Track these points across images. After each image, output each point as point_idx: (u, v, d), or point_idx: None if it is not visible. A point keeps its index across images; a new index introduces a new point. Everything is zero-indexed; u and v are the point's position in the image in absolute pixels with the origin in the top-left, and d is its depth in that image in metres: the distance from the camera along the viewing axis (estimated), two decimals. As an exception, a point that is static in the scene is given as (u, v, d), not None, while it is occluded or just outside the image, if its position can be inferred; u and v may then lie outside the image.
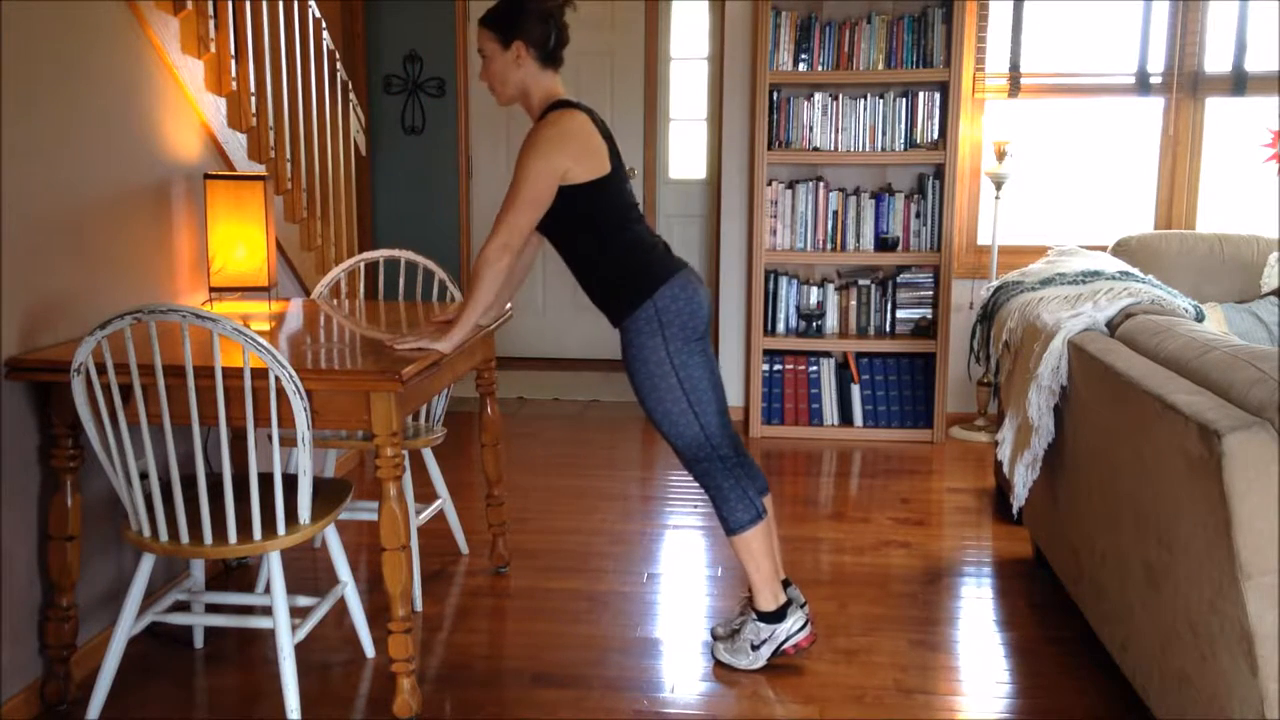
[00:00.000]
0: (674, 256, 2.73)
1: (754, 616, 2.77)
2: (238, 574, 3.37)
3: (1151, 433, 2.20)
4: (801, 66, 4.83)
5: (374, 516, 3.21)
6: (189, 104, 3.22)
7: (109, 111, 2.81)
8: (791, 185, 4.93)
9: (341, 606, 3.05)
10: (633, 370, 2.69)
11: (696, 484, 2.75)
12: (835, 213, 4.93)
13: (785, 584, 2.82)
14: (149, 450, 2.33)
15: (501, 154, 6.44)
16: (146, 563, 2.46)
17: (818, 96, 4.86)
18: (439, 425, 3.38)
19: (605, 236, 2.66)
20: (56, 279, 2.61)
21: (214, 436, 3.13)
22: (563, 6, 2.67)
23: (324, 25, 4.17)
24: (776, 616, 2.75)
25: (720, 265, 5.26)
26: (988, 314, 3.62)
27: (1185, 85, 4.95)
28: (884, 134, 4.86)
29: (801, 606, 2.80)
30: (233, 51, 3.38)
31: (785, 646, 2.76)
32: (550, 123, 2.60)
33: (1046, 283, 3.29)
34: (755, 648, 2.76)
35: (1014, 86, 4.99)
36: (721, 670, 2.78)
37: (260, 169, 3.62)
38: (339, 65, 4.35)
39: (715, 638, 2.88)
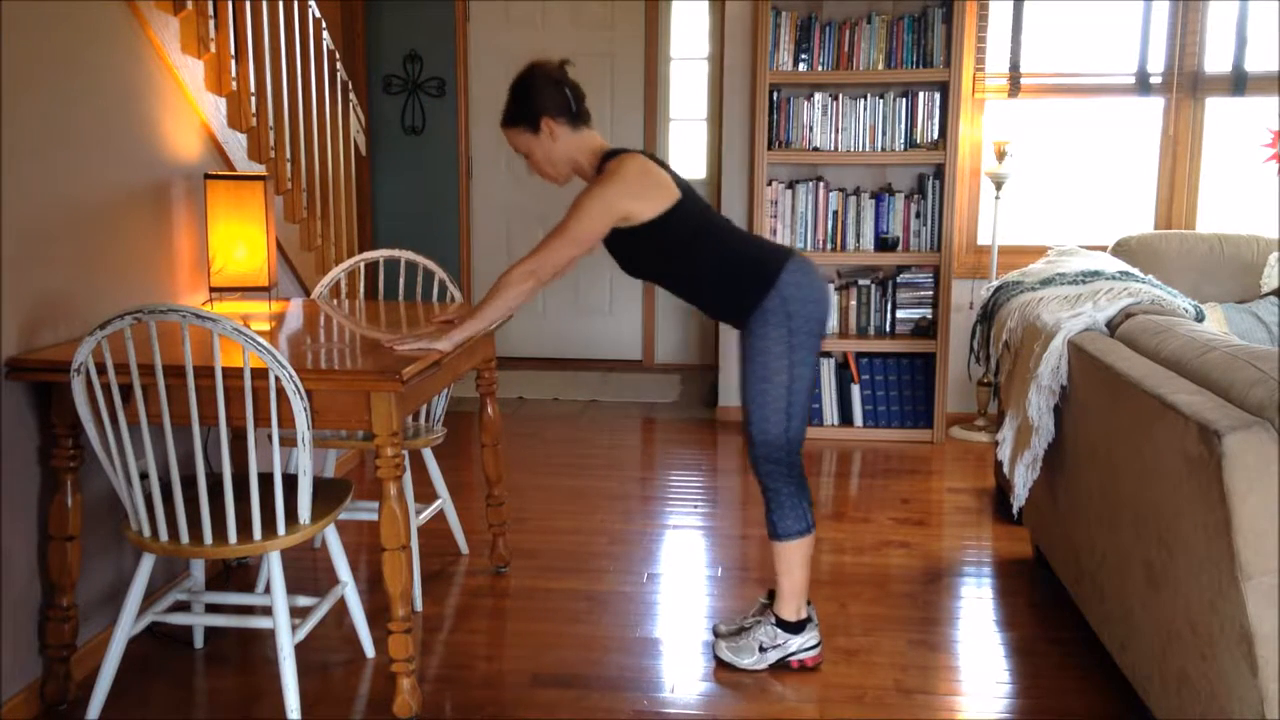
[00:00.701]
0: (782, 247, 2.72)
1: (773, 620, 2.78)
2: (238, 574, 3.37)
3: (1151, 433, 2.20)
4: (801, 66, 4.83)
5: (374, 516, 3.22)
6: (189, 104, 3.22)
7: (109, 111, 2.81)
8: (791, 185, 4.93)
9: (341, 606, 3.05)
10: (749, 356, 2.66)
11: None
12: (835, 213, 4.93)
13: (807, 602, 2.85)
14: (149, 450, 2.33)
15: (501, 154, 6.44)
16: (146, 563, 2.46)
17: (818, 96, 4.86)
18: (439, 425, 3.38)
19: (706, 251, 2.65)
20: (56, 279, 2.61)
21: (214, 436, 3.13)
22: (561, 67, 2.68)
23: (324, 25, 4.17)
24: (795, 628, 2.77)
25: (720, 265, 5.26)
26: (988, 314, 3.62)
27: (1185, 85, 4.95)
28: (884, 134, 4.86)
29: (817, 626, 2.81)
30: (233, 51, 3.38)
31: (792, 659, 2.77)
32: (611, 170, 2.60)
33: (1046, 283, 3.29)
34: (764, 650, 2.76)
35: (1014, 86, 4.99)
36: (722, 670, 2.78)
37: (260, 169, 3.62)
38: (339, 65, 4.35)
39: (717, 634, 2.88)
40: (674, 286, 2.75)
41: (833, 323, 5.03)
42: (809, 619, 2.80)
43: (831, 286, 5.01)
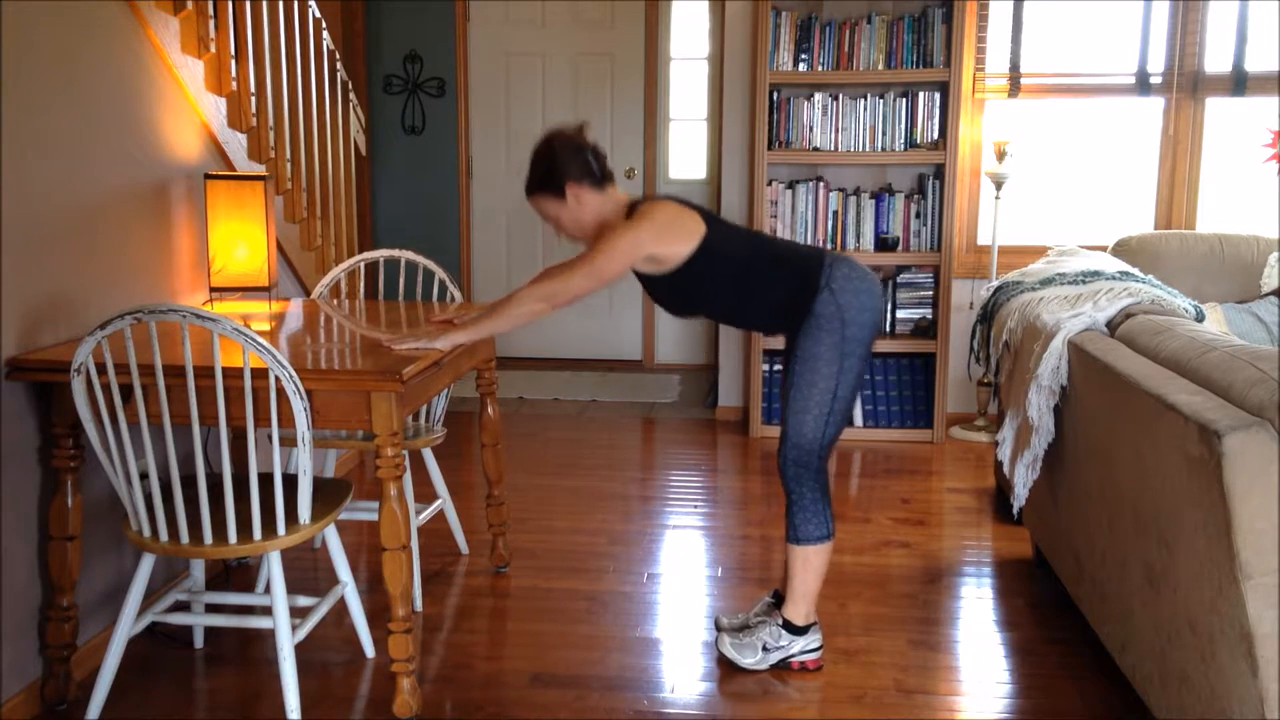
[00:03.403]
0: (824, 251, 2.72)
1: (779, 622, 2.78)
2: (238, 574, 3.37)
3: (1151, 433, 2.20)
4: (801, 66, 4.83)
5: (374, 516, 3.22)
6: (189, 104, 3.22)
7: (109, 111, 2.81)
8: (791, 185, 4.93)
9: (341, 606, 3.05)
10: (798, 358, 2.65)
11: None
12: (835, 213, 4.93)
13: None
14: (149, 450, 2.33)
15: (501, 154, 6.45)
16: (146, 563, 2.46)
17: (818, 96, 4.86)
18: (439, 425, 3.38)
19: (743, 278, 2.65)
20: (56, 279, 2.61)
21: (214, 436, 3.13)
22: (581, 131, 2.69)
23: (324, 25, 4.17)
24: (801, 631, 2.77)
25: (720, 265, 5.26)
26: (988, 314, 3.62)
27: (1185, 85, 4.95)
28: (884, 134, 4.86)
29: (818, 629, 2.82)
30: (233, 51, 3.38)
31: (793, 660, 2.77)
32: (642, 213, 2.61)
33: (1046, 283, 3.29)
34: (767, 650, 2.76)
35: (1014, 86, 5.00)
36: (722, 670, 2.78)
37: (260, 169, 3.62)
38: (339, 65, 4.35)
39: (719, 628, 2.88)
40: (727, 316, 2.77)
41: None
42: (814, 622, 2.80)
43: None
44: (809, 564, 2.74)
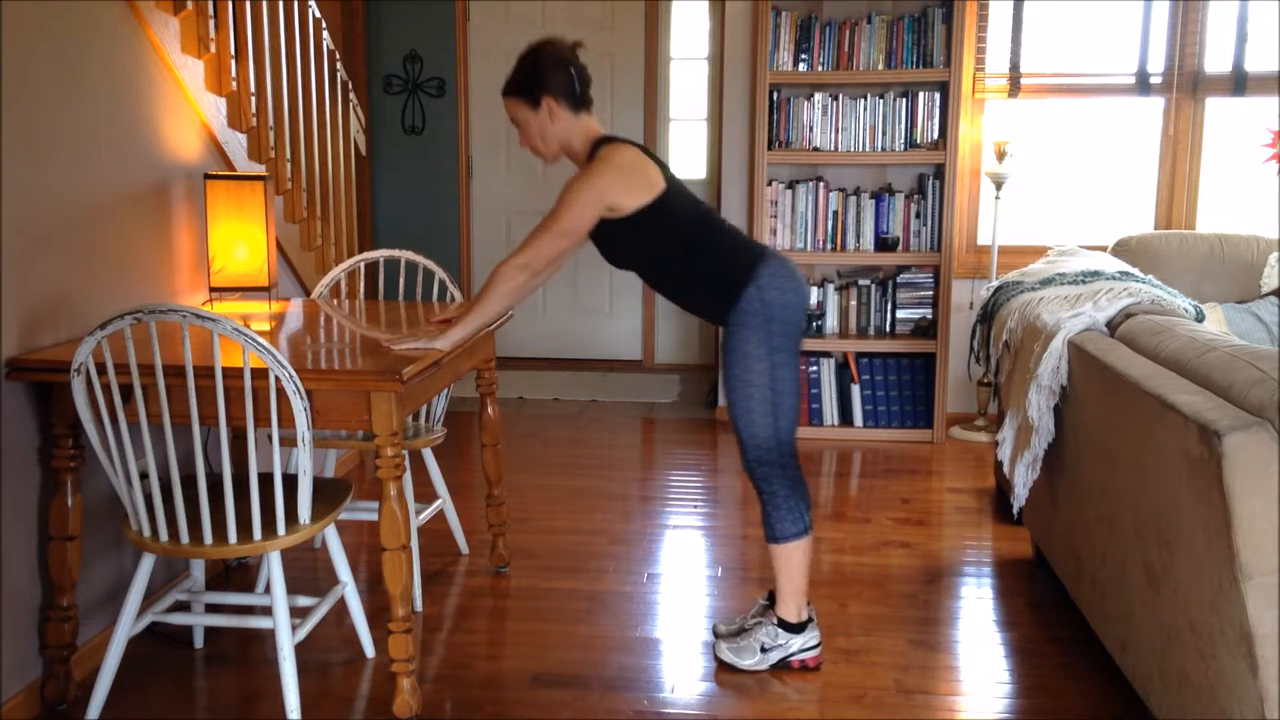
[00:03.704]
0: (760, 245, 2.73)
1: (774, 621, 2.78)
2: (238, 574, 3.37)
3: (1152, 433, 2.20)
4: (801, 66, 4.83)
5: (374, 516, 3.22)
6: (189, 104, 3.22)
7: (109, 111, 2.81)
8: (791, 185, 4.93)
9: (341, 606, 3.05)
10: (729, 361, 2.67)
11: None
12: (835, 213, 4.93)
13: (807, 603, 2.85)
14: (149, 450, 2.33)
15: (501, 154, 6.44)
16: (146, 563, 2.46)
17: (818, 96, 4.86)
18: (439, 425, 3.38)
19: (685, 247, 2.66)
20: (56, 279, 2.61)
21: (214, 436, 3.13)
22: (574, 49, 2.68)
23: (324, 25, 4.17)
24: (797, 629, 2.77)
25: (720, 265, 5.26)
26: (988, 314, 3.62)
27: (1185, 85, 4.95)
28: (884, 134, 4.86)
29: (817, 627, 2.81)
30: (233, 51, 3.38)
31: (793, 659, 2.77)
32: (600, 159, 2.61)
33: (1046, 283, 3.29)
34: (765, 650, 2.76)
35: (1014, 86, 5.00)
36: (722, 670, 2.78)
37: (260, 169, 3.62)
38: (339, 65, 4.35)
39: (717, 635, 2.88)
40: (655, 280, 2.75)
41: (832, 322, 5.03)
42: (810, 619, 2.80)
43: (817, 289, 5.01)
44: (791, 561, 2.73)
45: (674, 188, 2.66)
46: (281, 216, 3.86)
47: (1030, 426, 2.96)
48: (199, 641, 2.89)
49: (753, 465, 2.72)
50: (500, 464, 3.42)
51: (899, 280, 4.97)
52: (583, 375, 6.26)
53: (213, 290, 3.25)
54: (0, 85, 2.38)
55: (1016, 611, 3.15)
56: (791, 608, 2.77)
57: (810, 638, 2.78)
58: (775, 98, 4.86)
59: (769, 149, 4.85)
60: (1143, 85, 4.97)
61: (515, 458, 4.62)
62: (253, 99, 3.53)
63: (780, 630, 2.77)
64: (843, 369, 5.03)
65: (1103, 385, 2.55)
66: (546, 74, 2.62)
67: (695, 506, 4.05)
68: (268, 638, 2.92)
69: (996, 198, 4.87)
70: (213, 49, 3.29)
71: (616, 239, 2.66)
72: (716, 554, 3.59)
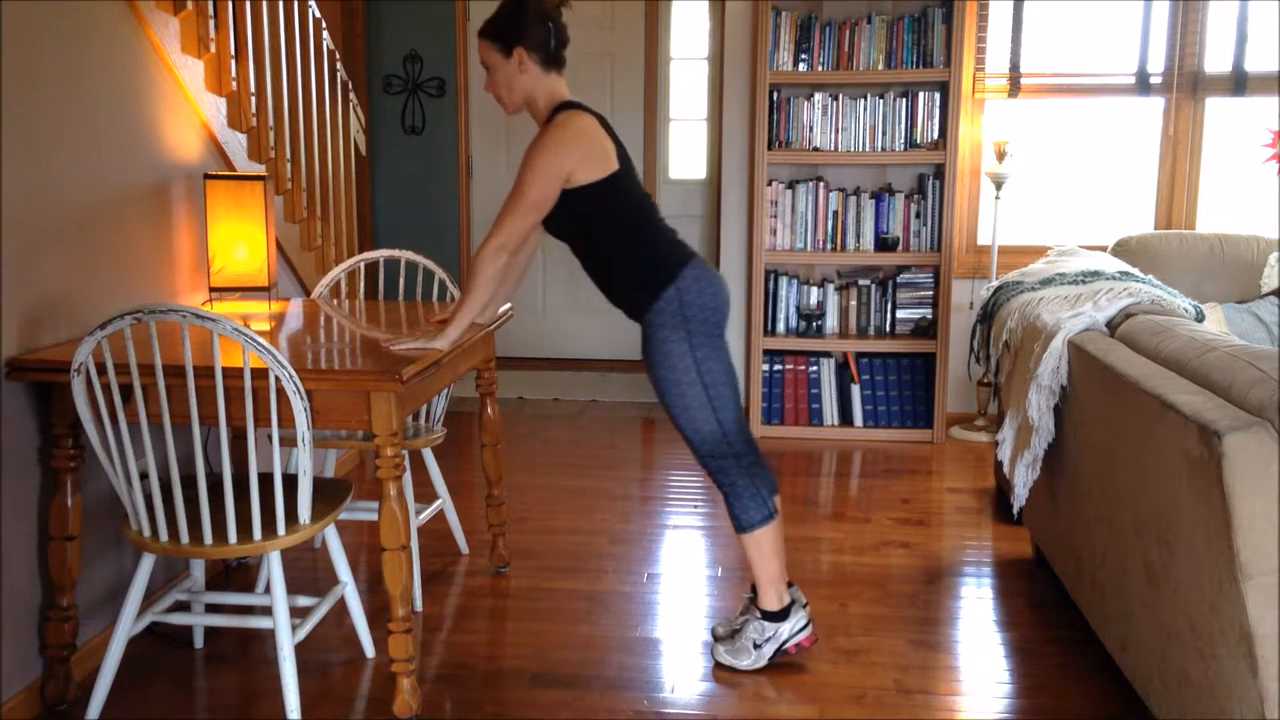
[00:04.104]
0: (688, 247, 2.75)
1: (757, 615, 2.78)
2: (238, 574, 3.36)
3: (1152, 433, 2.20)
4: (801, 66, 4.83)
5: (374, 516, 3.22)
6: (189, 104, 3.22)
7: (109, 111, 2.81)
8: (791, 185, 4.93)
9: (341, 606, 3.05)
10: (654, 363, 2.68)
11: (709, 481, 2.76)
12: (835, 213, 4.93)
13: (788, 585, 2.84)
14: (149, 450, 2.33)
15: (501, 154, 6.44)
16: (146, 563, 2.46)
17: (818, 96, 4.86)
18: (439, 425, 3.38)
19: (622, 232, 2.67)
20: (56, 279, 2.61)
21: (214, 436, 3.13)
22: (559, 6, 2.67)
23: (324, 25, 4.17)
24: (780, 616, 2.76)
25: (720, 265, 5.26)
26: (988, 314, 3.62)
27: (1185, 85, 4.95)
28: (884, 134, 4.86)
29: (804, 607, 2.80)
30: (233, 51, 3.38)
31: (787, 645, 2.77)
32: (557, 125, 2.61)
33: (1046, 283, 3.29)
34: (758, 646, 2.76)
35: (1014, 86, 4.99)
36: (722, 670, 2.78)
37: (260, 169, 3.62)
38: (339, 65, 4.35)
39: (716, 638, 2.88)
40: (585, 259, 2.74)
41: (832, 322, 5.03)
42: (792, 602, 2.79)
43: (817, 289, 5.01)
44: (761, 548, 2.73)
45: (626, 168, 2.67)
46: (281, 216, 3.86)
47: (1030, 426, 2.96)
48: (199, 641, 2.89)
49: (705, 460, 2.73)
50: (500, 464, 3.42)
51: (899, 280, 4.97)
52: (583, 375, 6.26)
53: (213, 290, 3.25)
54: (0, 85, 2.38)
55: (1016, 611, 3.15)
56: (771, 596, 2.76)
57: (797, 621, 2.77)
58: (775, 98, 4.86)
59: (769, 149, 4.85)
60: (1143, 85, 4.97)
61: (515, 458, 4.62)
62: (253, 99, 3.53)
63: (766, 623, 2.76)
64: (843, 369, 5.03)
65: (1103, 385, 2.55)
66: (526, 25, 2.62)
67: (695, 506, 4.05)
68: (268, 638, 2.92)
69: (996, 198, 4.87)
70: (213, 49, 3.29)
71: (560, 209, 2.64)
72: (716, 554, 3.59)
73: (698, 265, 2.68)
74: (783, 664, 2.79)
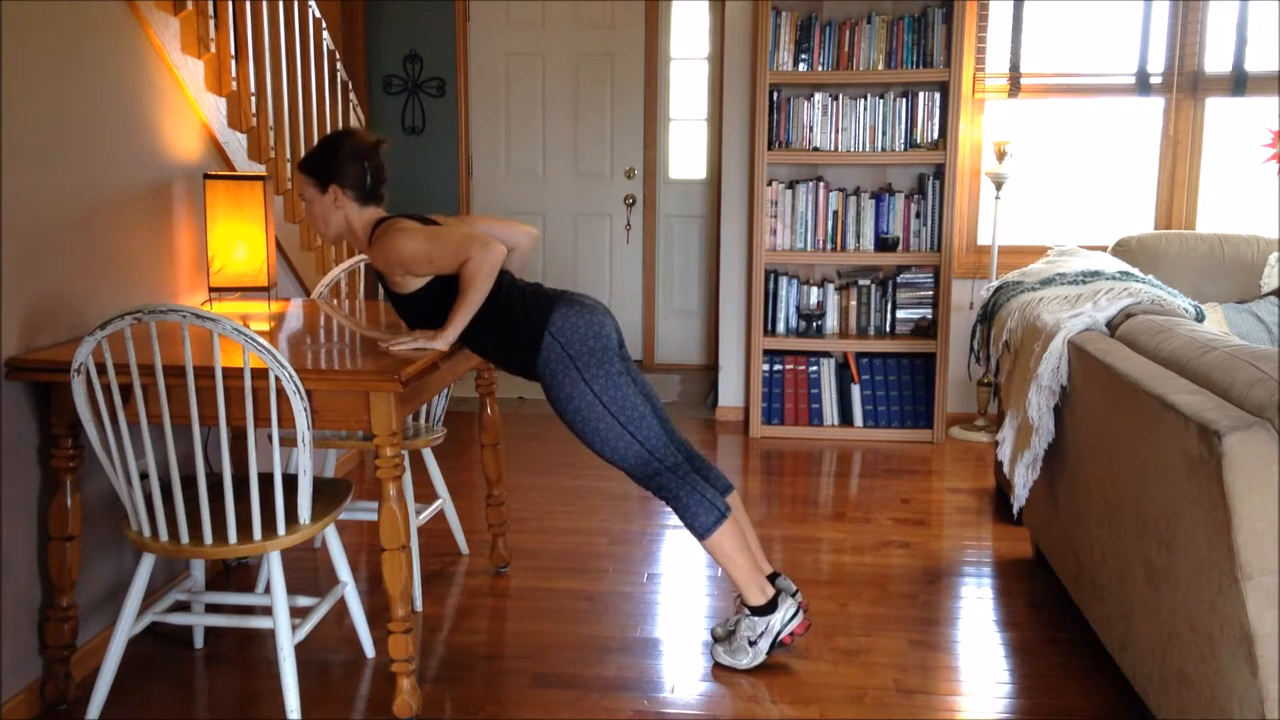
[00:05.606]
0: (552, 290, 2.78)
1: (747, 613, 2.78)
2: (238, 574, 3.37)
3: (1151, 433, 2.20)
4: (801, 66, 4.83)
5: (374, 516, 3.22)
6: (189, 104, 3.22)
7: (109, 111, 2.81)
8: (791, 185, 4.93)
9: (341, 606, 3.05)
10: (560, 410, 2.71)
11: (657, 497, 2.78)
12: (835, 213, 4.93)
13: (774, 577, 2.85)
14: (149, 450, 2.33)
15: (501, 154, 6.44)
16: (146, 563, 2.46)
17: (818, 96, 4.86)
18: (439, 425, 3.38)
19: (482, 307, 2.68)
20: (56, 279, 2.61)
21: (214, 436, 3.13)
22: (377, 145, 2.73)
23: (324, 25, 4.17)
24: (768, 609, 2.76)
25: (720, 265, 5.26)
26: (988, 314, 3.62)
27: (1185, 85, 4.95)
28: (884, 134, 4.86)
29: (793, 595, 2.81)
30: (233, 51, 3.38)
31: (782, 635, 2.77)
32: (389, 232, 2.66)
33: (1046, 283, 3.29)
34: (753, 643, 2.76)
35: (1014, 86, 5.00)
36: (722, 670, 2.78)
37: (260, 169, 3.62)
38: (339, 65, 4.35)
39: (715, 639, 2.88)
40: (462, 338, 2.74)
41: (832, 322, 5.03)
42: (779, 592, 2.79)
43: (817, 289, 5.01)
44: (723, 550, 2.73)
45: None
46: (281, 216, 3.86)
47: (1030, 426, 2.96)
48: (199, 641, 2.89)
49: (643, 482, 2.75)
50: (500, 464, 3.43)
51: (899, 280, 4.97)
52: (583, 375, 6.25)
53: (212, 290, 3.25)
54: (1, 85, 2.38)
55: (1016, 611, 3.15)
56: (753, 590, 2.76)
57: (787, 611, 2.77)
58: (775, 98, 4.86)
59: (769, 149, 4.85)
60: (1143, 85, 4.97)
61: (515, 458, 4.62)
62: (253, 99, 3.53)
63: (755, 619, 2.77)
64: (843, 369, 5.03)
65: (1103, 385, 2.55)
66: (341, 165, 2.67)
67: (695, 506, 4.05)
68: (268, 638, 2.92)
69: (996, 198, 4.87)
70: (213, 49, 3.29)
71: (424, 297, 2.70)
72: (716, 554, 3.59)
73: (564, 304, 2.70)
74: (782, 663, 2.79)
